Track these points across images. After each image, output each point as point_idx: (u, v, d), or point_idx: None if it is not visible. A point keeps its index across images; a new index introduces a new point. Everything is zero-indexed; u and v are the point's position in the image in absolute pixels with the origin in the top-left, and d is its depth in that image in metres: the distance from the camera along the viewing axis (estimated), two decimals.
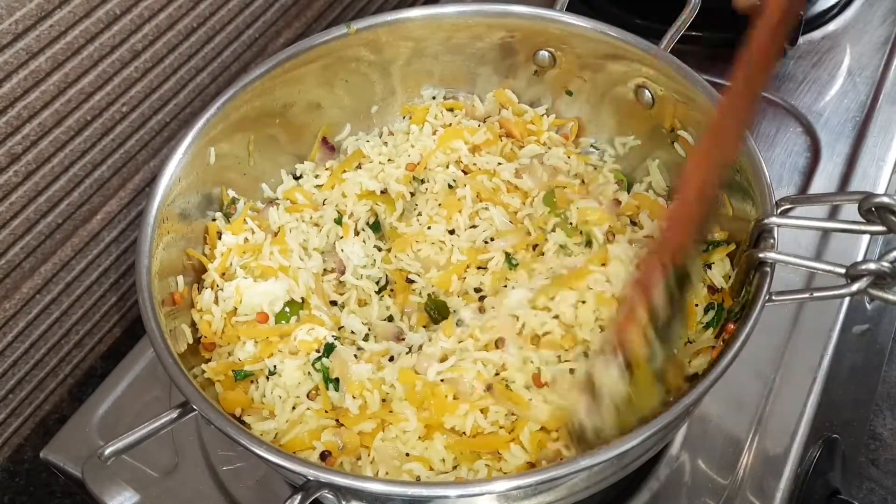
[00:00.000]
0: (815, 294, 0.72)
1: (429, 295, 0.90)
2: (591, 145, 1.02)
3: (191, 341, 0.83)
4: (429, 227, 0.92)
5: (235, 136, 0.93)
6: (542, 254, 0.89)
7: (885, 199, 0.69)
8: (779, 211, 0.75)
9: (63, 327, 1.02)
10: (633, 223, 0.92)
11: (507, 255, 0.90)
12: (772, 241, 0.74)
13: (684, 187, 0.74)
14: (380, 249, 0.94)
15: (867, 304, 1.11)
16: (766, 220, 0.74)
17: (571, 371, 0.77)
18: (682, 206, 0.74)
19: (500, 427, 0.76)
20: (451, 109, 1.03)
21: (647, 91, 0.93)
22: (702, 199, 0.73)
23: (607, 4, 1.30)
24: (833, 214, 1.02)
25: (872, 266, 0.68)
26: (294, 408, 0.79)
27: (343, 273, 0.92)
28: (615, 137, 1.00)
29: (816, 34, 1.26)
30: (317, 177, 0.99)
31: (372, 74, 1.01)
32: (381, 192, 0.96)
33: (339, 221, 0.94)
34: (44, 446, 0.94)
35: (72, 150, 0.95)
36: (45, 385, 1.03)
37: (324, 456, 0.75)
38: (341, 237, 0.93)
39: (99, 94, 0.95)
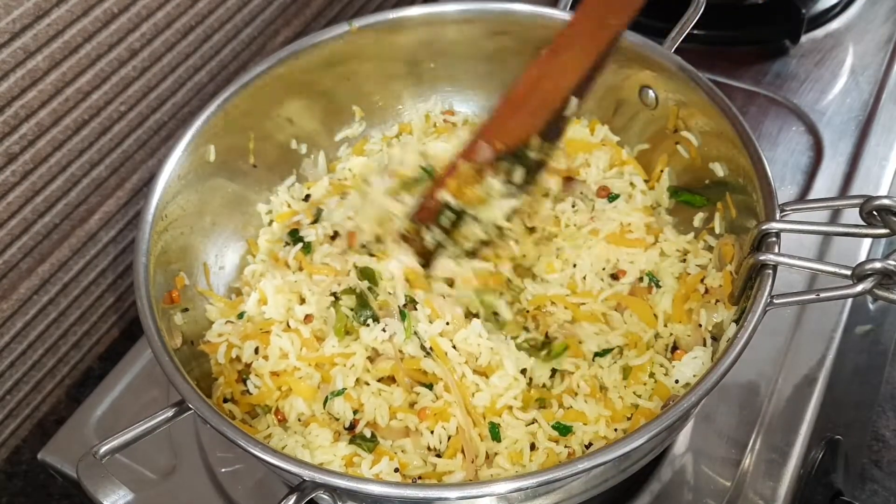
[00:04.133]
0: (822, 295, 0.71)
1: None
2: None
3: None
4: None
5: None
6: None
7: (886, 202, 0.68)
8: (780, 215, 0.74)
9: (60, 328, 1.02)
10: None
11: None
12: (775, 244, 0.73)
13: (519, 83, 0.83)
14: None
15: (870, 305, 1.10)
16: (768, 225, 0.73)
17: None
18: (514, 98, 0.83)
19: None
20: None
21: (650, 91, 0.93)
22: (539, 97, 0.82)
23: None
24: (835, 217, 1.01)
25: (878, 265, 0.67)
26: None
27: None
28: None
29: (819, 32, 1.26)
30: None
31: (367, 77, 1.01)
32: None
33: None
34: (41, 448, 0.93)
35: (69, 150, 0.94)
36: (42, 386, 1.03)
37: None
38: None
39: (96, 93, 0.95)
